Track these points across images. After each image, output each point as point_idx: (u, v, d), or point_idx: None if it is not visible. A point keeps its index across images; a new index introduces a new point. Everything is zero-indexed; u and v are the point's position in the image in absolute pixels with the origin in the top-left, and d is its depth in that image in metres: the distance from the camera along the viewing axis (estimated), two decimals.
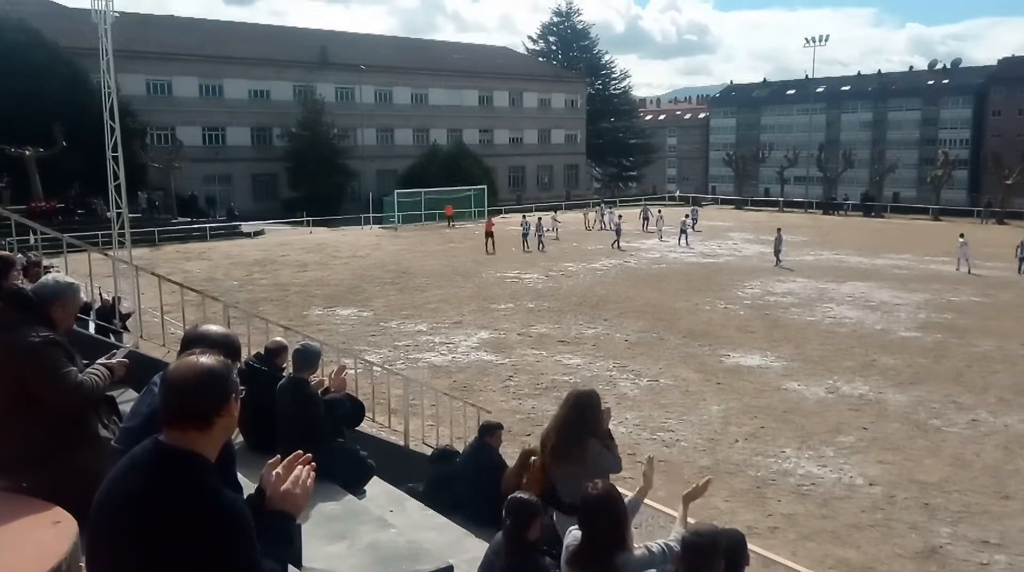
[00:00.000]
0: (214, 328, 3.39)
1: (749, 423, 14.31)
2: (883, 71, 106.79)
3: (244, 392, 2.44)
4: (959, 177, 79.39)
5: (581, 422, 5.43)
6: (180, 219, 46.27)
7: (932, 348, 19.89)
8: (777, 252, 33.90)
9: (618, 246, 39.24)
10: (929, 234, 46.51)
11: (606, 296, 26.32)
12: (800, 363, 18.35)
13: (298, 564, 3.26)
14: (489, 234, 38.52)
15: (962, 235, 33.58)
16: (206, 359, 2.31)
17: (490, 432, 7.63)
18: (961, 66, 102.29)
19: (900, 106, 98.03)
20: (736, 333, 21.26)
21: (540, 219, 41.67)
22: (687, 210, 52.84)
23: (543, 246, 39.35)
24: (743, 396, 15.87)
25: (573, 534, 4.03)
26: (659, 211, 49.15)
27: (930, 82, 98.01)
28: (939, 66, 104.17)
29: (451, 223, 51.24)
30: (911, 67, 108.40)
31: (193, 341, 3.13)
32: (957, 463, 12.58)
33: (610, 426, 13.05)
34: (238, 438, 6.29)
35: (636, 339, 20.43)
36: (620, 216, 43.90)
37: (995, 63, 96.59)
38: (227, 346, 3.12)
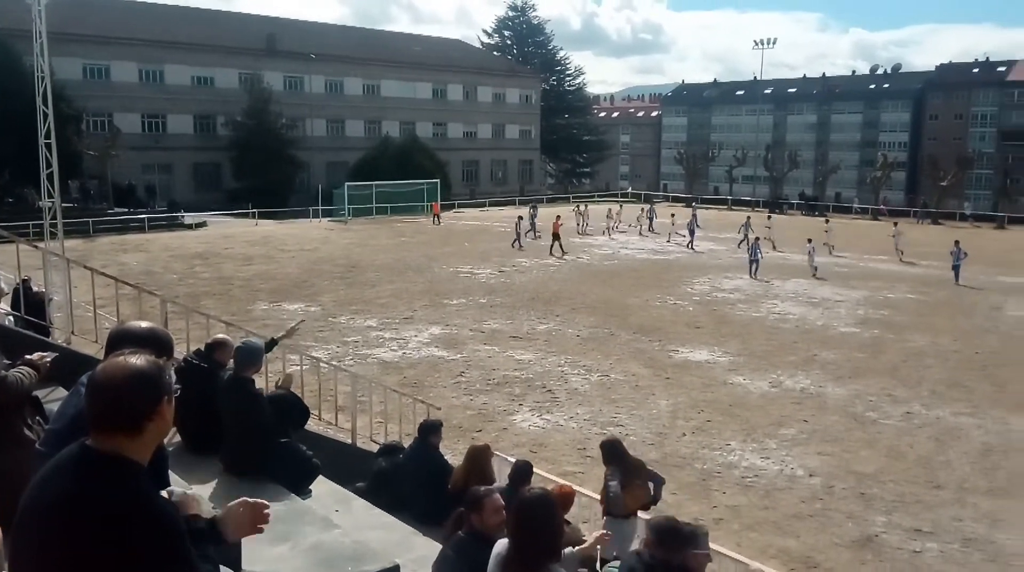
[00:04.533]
0: (140, 324, 3.22)
1: (696, 417, 14.53)
2: (828, 74, 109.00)
3: (179, 391, 2.34)
4: (897, 178, 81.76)
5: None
6: (117, 209, 45.06)
7: (870, 343, 20.43)
8: (811, 258, 31.66)
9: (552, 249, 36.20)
10: (869, 233, 47.58)
11: (558, 292, 26.42)
12: (746, 358, 18.66)
13: (237, 567, 3.18)
14: (556, 235, 35.93)
15: (895, 223, 34.61)
16: (135, 360, 2.18)
17: (431, 431, 7.59)
18: (901, 71, 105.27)
19: (843, 109, 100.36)
20: (685, 329, 21.52)
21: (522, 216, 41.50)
22: (689, 211, 49.59)
23: (536, 237, 39.63)
24: (691, 391, 16.10)
25: (502, 542, 3.87)
26: (620, 207, 49.19)
27: (871, 86, 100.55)
28: (880, 71, 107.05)
29: (438, 221, 49.48)
30: (854, 71, 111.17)
31: (119, 340, 2.95)
32: (892, 454, 13.00)
33: (561, 421, 13.13)
34: (176, 438, 6.17)
35: (588, 335, 20.55)
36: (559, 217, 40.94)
37: (933, 69, 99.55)
38: (156, 342, 2.93)
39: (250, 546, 4.09)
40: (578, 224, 44.66)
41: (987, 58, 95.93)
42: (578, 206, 49.19)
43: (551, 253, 35.15)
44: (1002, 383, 17.16)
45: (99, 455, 2.13)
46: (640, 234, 44.23)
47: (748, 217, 41.25)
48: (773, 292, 27.46)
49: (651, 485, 7.98)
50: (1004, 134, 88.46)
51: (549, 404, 15.07)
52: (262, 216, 48.22)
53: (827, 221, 41.89)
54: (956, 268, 30.01)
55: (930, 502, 11.23)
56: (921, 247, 39.61)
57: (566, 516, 5.88)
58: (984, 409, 15.34)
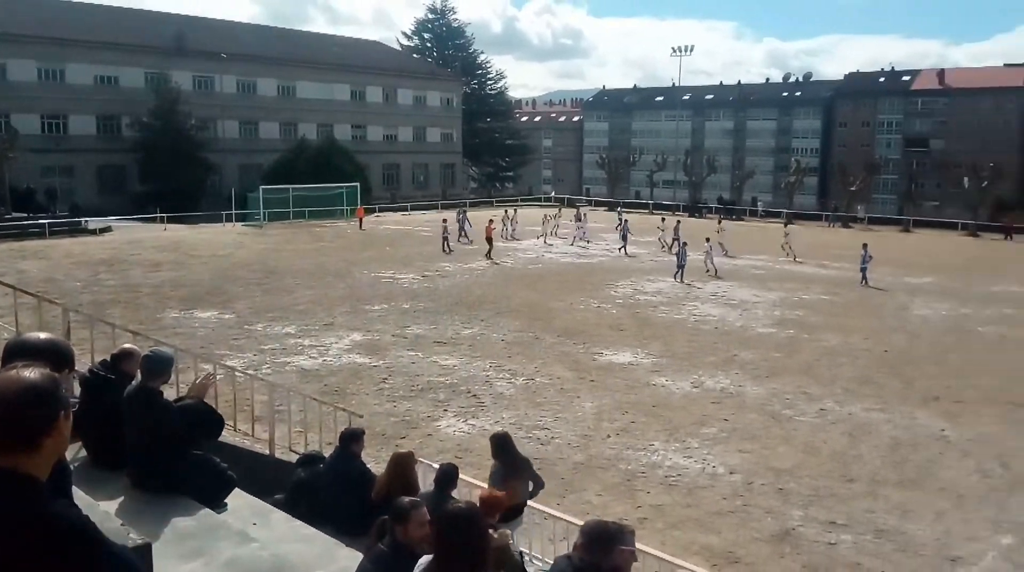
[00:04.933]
0: (38, 335, 3.01)
1: (620, 418, 14.62)
2: (743, 82, 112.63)
3: (77, 405, 2.18)
4: (810, 183, 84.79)
5: None
6: (15, 214, 42.65)
7: (786, 343, 20.98)
8: (863, 270, 31.11)
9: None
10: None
11: (482, 296, 26.32)
12: (668, 359, 18.91)
13: None
14: (489, 240, 36.07)
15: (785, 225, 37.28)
16: (29, 373, 2.07)
17: (353, 439, 7.37)
18: (812, 80, 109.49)
19: (758, 116, 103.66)
20: (608, 331, 21.68)
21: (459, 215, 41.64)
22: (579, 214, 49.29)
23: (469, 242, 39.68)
24: (615, 392, 16.20)
25: (426, 558, 3.77)
26: (514, 211, 48.51)
27: (784, 94, 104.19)
28: (793, 79, 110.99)
29: (361, 225, 48.70)
30: (768, 79, 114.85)
31: (14, 352, 2.77)
32: (808, 450, 13.36)
33: (487, 426, 13.04)
34: (81, 452, 5.82)
35: (512, 339, 20.50)
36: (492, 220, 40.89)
37: (842, 78, 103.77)
38: (55, 354, 2.73)
39: (161, 564, 3.85)
40: (504, 228, 44.26)
41: (892, 67, 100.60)
42: (506, 211, 48.87)
43: (488, 257, 35.16)
44: (909, 380, 17.83)
45: None
46: (583, 242, 43.06)
47: (679, 221, 41.81)
48: (694, 294, 27.97)
49: (530, 485, 8.05)
50: (908, 141, 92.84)
51: (474, 409, 14.94)
52: (171, 220, 46.62)
53: (786, 225, 44.01)
54: (863, 270, 30.98)
55: (844, 495, 11.57)
56: (832, 250, 41.17)
57: (493, 520, 5.78)
58: (893, 405, 15.90)
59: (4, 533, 1.95)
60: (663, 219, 45.40)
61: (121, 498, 5.31)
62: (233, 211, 49.89)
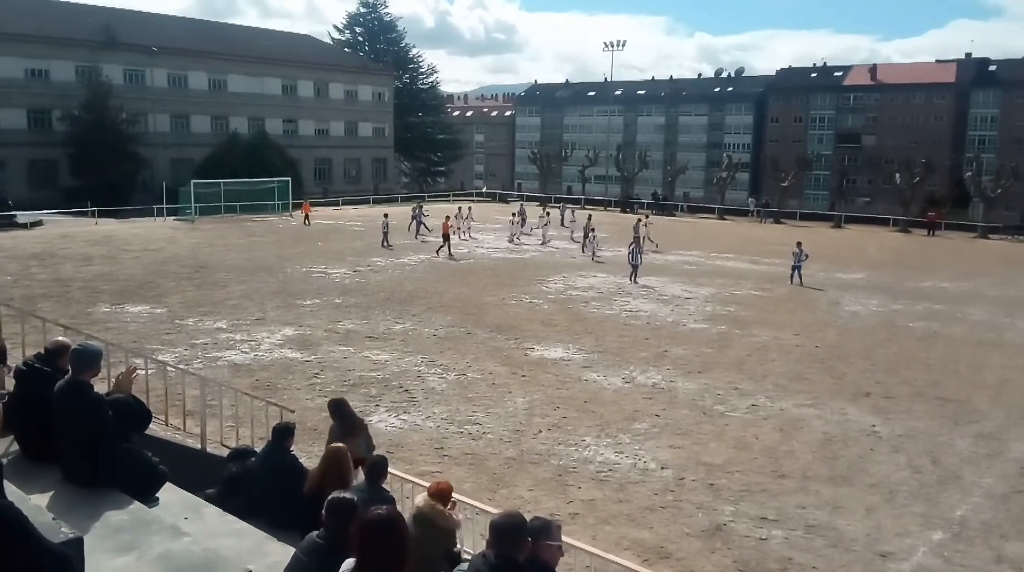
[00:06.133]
0: None
1: (552, 414, 14.74)
2: (675, 77, 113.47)
3: (7, 398, 2.25)
4: (742, 179, 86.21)
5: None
6: None
7: (717, 338, 21.34)
8: (795, 268, 30.82)
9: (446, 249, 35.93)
10: (715, 232, 49.93)
11: (414, 291, 26.30)
12: (599, 355, 19.14)
13: None
14: (446, 236, 35.58)
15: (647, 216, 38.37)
16: None
17: (285, 434, 7.41)
18: (744, 75, 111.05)
19: (690, 111, 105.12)
20: (540, 327, 21.89)
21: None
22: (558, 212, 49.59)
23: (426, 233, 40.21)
24: (547, 388, 16.35)
25: (349, 562, 3.82)
26: (469, 208, 48.12)
27: (716, 89, 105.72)
28: (724, 74, 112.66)
29: (307, 220, 47.91)
30: (700, 74, 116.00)
31: None
32: (739, 445, 13.51)
33: (418, 421, 13.16)
34: (13, 446, 5.73)
35: (444, 334, 20.56)
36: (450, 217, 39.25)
37: (774, 73, 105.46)
38: None
39: (93, 558, 3.86)
40: (459, 228, 41.76)
41: (824, 63, 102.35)
42: (460, 207, 47.05)
43: (437, 253, 34.99)
44: (840, 375, 18.13)
45: None
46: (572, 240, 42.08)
47: (590, 215, 41.68)
48: (625, 289, 28.30)
49: (364, 445, 8.66)
50: (840, 136, 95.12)
51: (406, 404, 14.97)
52: (103, 215, 45.45)
53: (647, 216, 43.61)
54: (797, 269, 30.55)
55: (775, 491, 11.68)
56: (765, 245, 41.97)
57: (445, 507, 5.93)
58: (824, 400, 16.10)
59: None
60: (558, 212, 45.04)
61: (52, 492, 5.26)
62: (164, 206, 48.74)
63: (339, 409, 8.84)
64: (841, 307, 26.68)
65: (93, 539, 4.13)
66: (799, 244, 31.18)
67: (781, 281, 31.11)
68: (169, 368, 10.97)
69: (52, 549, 2.26)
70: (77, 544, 3.46)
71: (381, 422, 13.88)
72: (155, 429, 7.09)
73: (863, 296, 28.74)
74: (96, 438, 5.57)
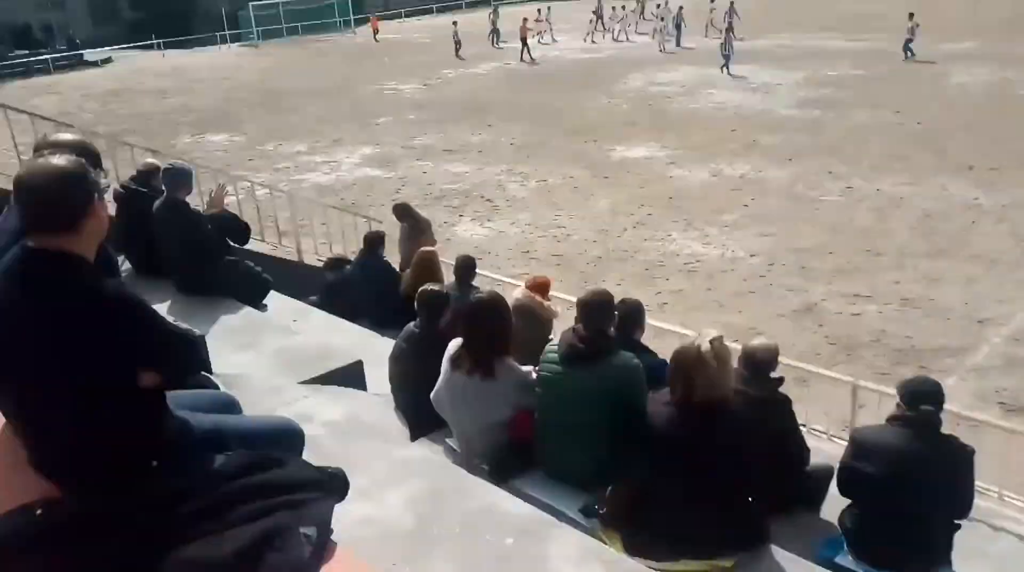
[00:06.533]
0: (66, 135, 3.07)
1: (637, 212, 14.67)
2: None
3: (108, 188, 2.27)
4: None
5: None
6: (17, 52, 41.92)
7: (810, 124, 20.41)
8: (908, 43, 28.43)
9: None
10: (812, 7, 44.74)
11: (489, 101, 25.78)
12: (684, 151, 18.65)
13: (208, 371, 3.19)
14: (524, 40, 34.06)
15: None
16: (58, 160, 2.14)
17: (378, 242, 7.67)
18: None
19: None
20: (621, 127, 21.31)
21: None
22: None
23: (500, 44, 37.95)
24: (630, 187, 16.19)
25: (454, 343, 4.11)
26: (548, 8, 41.43)
27: None
28: None
29: (376, 37, 46.00)
30: None
31: (42, 149, 2.84)
32: (832, 229, 13.28)
33: (503, 228, 13.17)
34: (125, 265, 6.01)
35: (522, 142, 20.29)
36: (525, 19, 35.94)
37: None
38: (83, 151, 2.80)
39: (216, 353, 4.09)
40: (540, 32, 38.75)
41: None
42: (539, 10, 40.60)
43: (521, 59, 33.76)
44: (942, 151, 17.28)
45: (45, 253, 2.09)
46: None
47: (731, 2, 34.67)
48: (710, 81, 26.94)
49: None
50: None
51: (490, 213, 15.08)
52: (168, 46, 45.10)
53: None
54: (908, 44, 28.19)
55: (869, 269, 11.58)
56: (863, 20, 37.72)
57: (544, 299, 6.08)
58: (924, 178, 15.53)
59: (62, 306, 2.05)
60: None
61: (169, 301, 5.55)
62: (226, 32, 48.12)
63: (406, 210, 9.13)
64: (947, 80, 24.89)
65: (213, 339, 4.36)
66: (911, 15, 28.36)
67: (882, 59, 28.47)
68: (258, 190, 11.14)
69: (179, 330, 2.35)
70: (202, 340, 3.63)
71: (466, 231, 14.08)
72: (254, 245, 7.32)
73: (971, 66, 26.48)
74: (200, 251, 5.78)
